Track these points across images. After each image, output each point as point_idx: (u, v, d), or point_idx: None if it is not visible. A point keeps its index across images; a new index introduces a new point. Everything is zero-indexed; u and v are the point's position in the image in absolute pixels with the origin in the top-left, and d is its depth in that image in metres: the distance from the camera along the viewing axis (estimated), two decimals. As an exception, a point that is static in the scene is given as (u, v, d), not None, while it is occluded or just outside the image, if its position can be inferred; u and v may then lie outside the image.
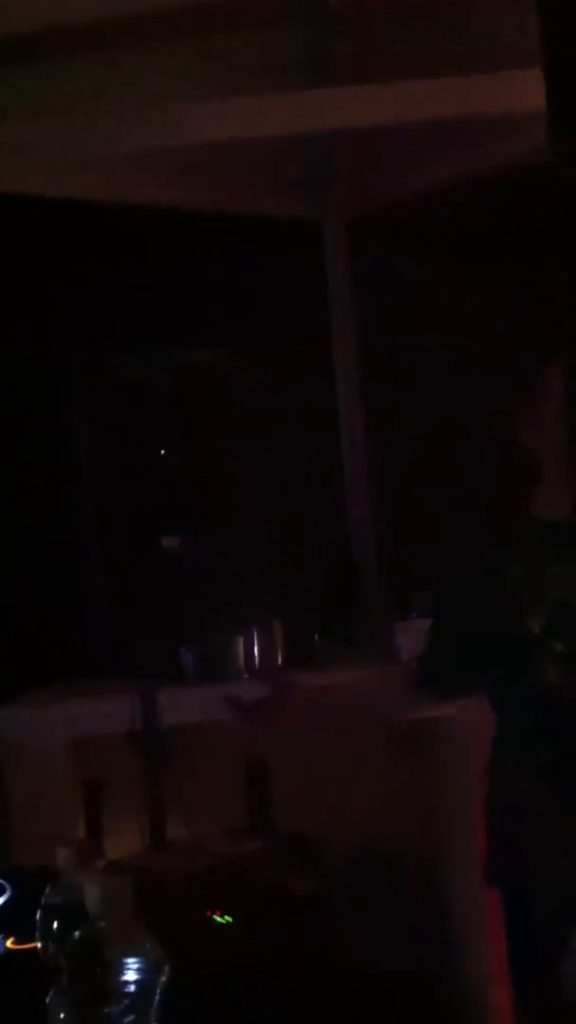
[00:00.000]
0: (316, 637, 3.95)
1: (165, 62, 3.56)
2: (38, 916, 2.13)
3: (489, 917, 2.76)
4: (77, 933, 1.88)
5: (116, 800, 3.68)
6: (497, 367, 4.07)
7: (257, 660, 3.74)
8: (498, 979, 3.39)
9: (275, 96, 3.50)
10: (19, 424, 4.03)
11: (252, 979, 2.47)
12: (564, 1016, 2.51)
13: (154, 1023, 1.81)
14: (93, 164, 3.77)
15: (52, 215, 3.77)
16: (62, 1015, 1.84)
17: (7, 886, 2.52)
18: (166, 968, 1.83)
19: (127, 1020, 1.79)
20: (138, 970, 1.79)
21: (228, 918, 2.79)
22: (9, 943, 2.39)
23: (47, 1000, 1.87)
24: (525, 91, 2.80)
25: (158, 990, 1.80)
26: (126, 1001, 1.78)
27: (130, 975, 1.78)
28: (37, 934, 2.12)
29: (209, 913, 2.84)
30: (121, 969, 1.78)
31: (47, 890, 2.15)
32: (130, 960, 1.79)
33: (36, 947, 2.14)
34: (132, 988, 1.78)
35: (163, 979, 1.81)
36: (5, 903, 2.50)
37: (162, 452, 3.76)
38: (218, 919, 2.81)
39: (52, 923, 2.10)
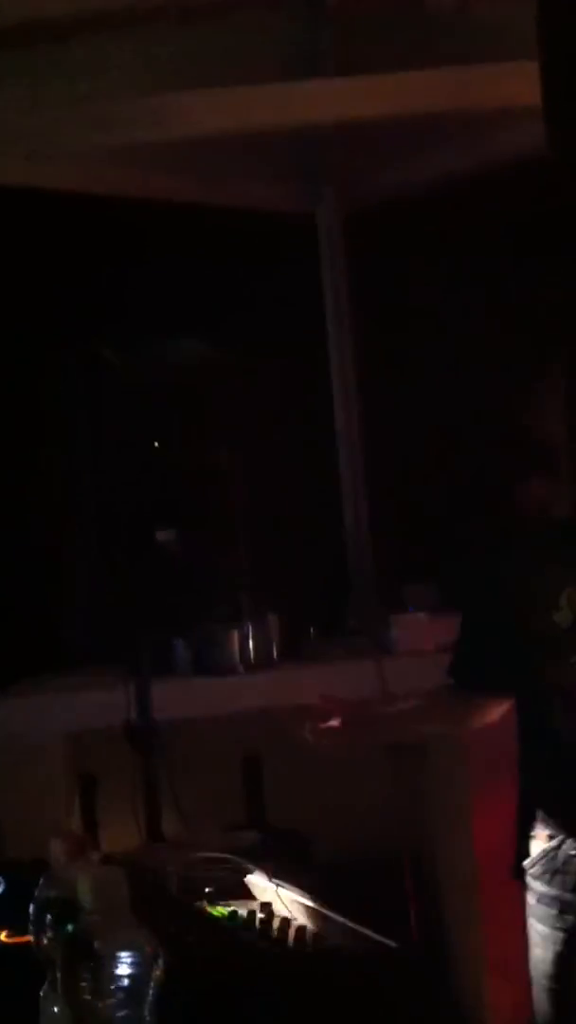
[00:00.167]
0: (310, 630, 3.94)
1: (156, 52, 3.55)
2: (31, 909, 2.12)
3: (509, 912, 2.75)
4: (70, 926, 1.87)
5: (110, 794, 3.68)
6: (494, 361, 4.07)
7: (252, 653, 3.74)
8: (496, 973, 3.40)
9: (268, 88, 3.48)
10: (11, 417, 4.02)
11: (247, 972, 2.47)
12: None
13: (148, 1017, 1.80)
14: (85, 156, 3.75)
15: (39, 206, 3.76)
16: (56, 1008, 1.83)
17: (0, 880, 2.52)
18: (160, 962, 1.82)
19: (121, 1014, 1.78)
20: (131, 964, 1.78)
21: (223, 911, 2.79)
22: (2, 936, 2.39)
23: (40, 993, 1.86)
24: (522, 84, 2.79)
25: (152, 984, 1.80)
26: (120, 995, 1.78)
27: (123, 969, 1.78)
28: (30, 927, 2.12)
29: (204, 907, 2.85)
30: (114, 963, 1.78)
31: (40, 883, 2.15)
32: (123, 954, 1.79)
33: (29, 940, 2.13)
34: (125, 982, 1.78)
35: (157, 973, 1.81)
36: (-1, 896, 2.50)
37: (155, 445, 3.75)
38: (213, 912, 2.81)
39: (45, 916, 2.10)
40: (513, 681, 2.59)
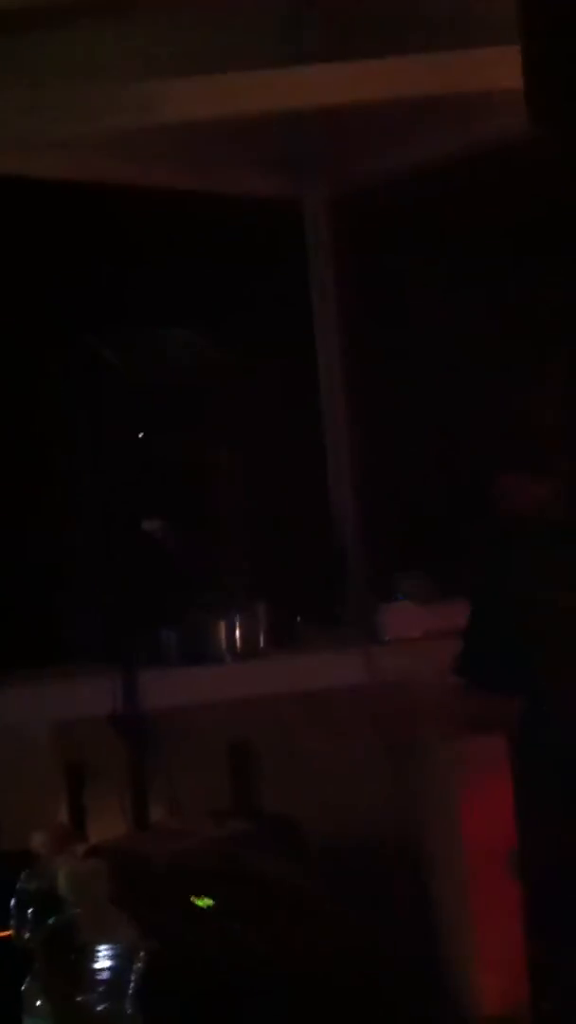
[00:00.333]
0: (298, 619, 3.94)
1: (142, 39, 3.53)
2: (12, 902, 2.12)
3: (507, 907, 2.74)
4: (52, 919, 1.87)
5: (99, 783, 3.67)
6: (484, 351, 4.06)
7: (239, 642, 3.73)
8: (491, 967, 3.39)
9: (253, 73, 3.47)
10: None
11: (235, 964, 2.46)
12: None
13: (129, 1009, 1.79)
14: (68, 143, 3.73)
15: (26, 196, 3.75)
16: (39, 1002, 1.83)
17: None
18: (141, 954, 1.81)
19: (101, 1007, 1.78)
20: (112, 956, 1.78)
21: (210, 901, 2.78)
22: (-15, 929, 2.38)
23: (23, 987, 1.86)
24: (510, 68, 2.77)
25: (132, 976, 1.79)
26: (100, 988, 1.77)
27: (104, 962, 1.77)
28: (12, 920, 2.11)
29: (192, 897, 2.84)
30: (94, 956, 1.77)
31: (22, 876, 2.14)
32: (104, 947, 1.78)
33: (11, 934, 2.12)
34: (106, 975, 1.77)
35: (138, 965, 1.80)
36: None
37: (140, 435, 3.74)
38: (200, 903, 2.80)
39: (27, 909, 2.09)
40: (517, 680, 2.59)
